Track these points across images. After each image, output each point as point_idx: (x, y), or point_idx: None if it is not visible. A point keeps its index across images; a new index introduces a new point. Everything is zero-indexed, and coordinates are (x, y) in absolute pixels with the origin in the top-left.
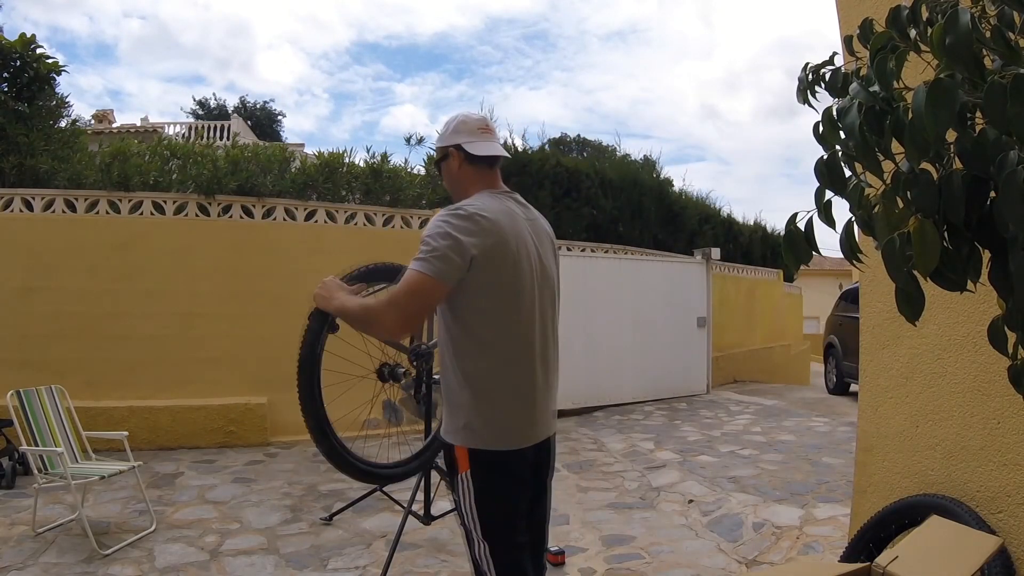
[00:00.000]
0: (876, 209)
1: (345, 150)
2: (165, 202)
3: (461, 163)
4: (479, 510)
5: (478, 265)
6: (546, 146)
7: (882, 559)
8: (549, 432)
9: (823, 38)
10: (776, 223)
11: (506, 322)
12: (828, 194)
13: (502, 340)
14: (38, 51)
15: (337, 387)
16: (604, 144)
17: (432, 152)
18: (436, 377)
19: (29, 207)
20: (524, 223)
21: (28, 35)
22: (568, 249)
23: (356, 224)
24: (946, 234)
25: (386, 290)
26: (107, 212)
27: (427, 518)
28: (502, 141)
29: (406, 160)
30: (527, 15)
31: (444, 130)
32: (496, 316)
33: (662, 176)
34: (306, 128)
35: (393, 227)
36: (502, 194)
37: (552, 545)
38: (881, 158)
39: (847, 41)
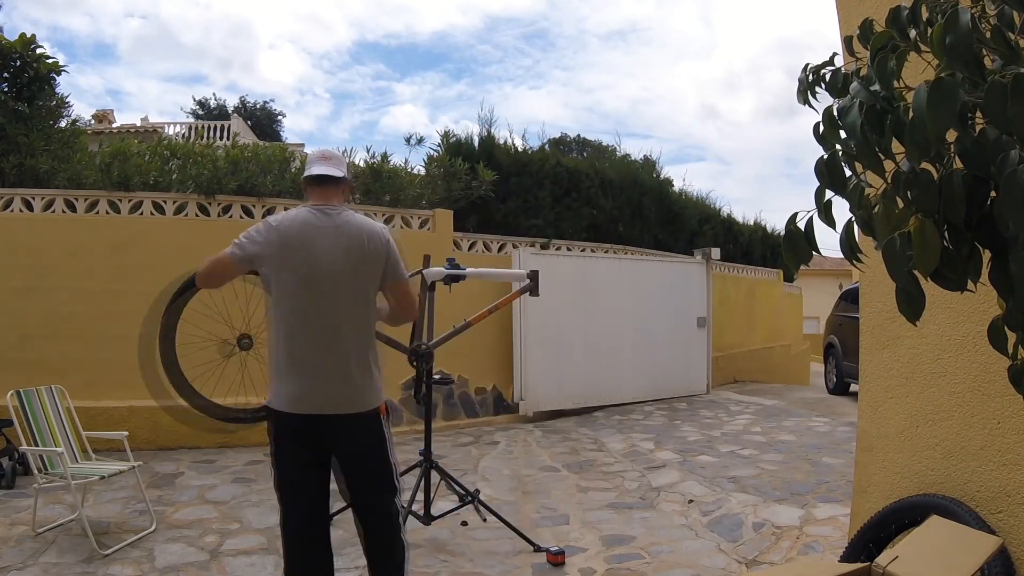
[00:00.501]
0: (876, 209)
1: (345, 150)
2: (165, 202)
3: (305, 187)
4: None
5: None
6: (546, 146)
7: (882, 559)
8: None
9: (823, 38)
10: (776, 223)
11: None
12: (828, 194)
13: None
14: (38, 51)
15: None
16: (604, 144)
17: (432, 152)
18: (437, 376)
19: (29, 207)
20: (322, 226)
21: (28, 35)
22: (568, 249)
23: None
24: (946, 234)
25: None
26: (107, 212)
27: (427, 518)
28: (502, 141)
29: (406, 160)
30: (527, 14)
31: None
32: None
33: (662, 176)
34: (305, 128)
35: (393, 227)
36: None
37: (552, 545)
38: (882, 158)
39: (847, 41)
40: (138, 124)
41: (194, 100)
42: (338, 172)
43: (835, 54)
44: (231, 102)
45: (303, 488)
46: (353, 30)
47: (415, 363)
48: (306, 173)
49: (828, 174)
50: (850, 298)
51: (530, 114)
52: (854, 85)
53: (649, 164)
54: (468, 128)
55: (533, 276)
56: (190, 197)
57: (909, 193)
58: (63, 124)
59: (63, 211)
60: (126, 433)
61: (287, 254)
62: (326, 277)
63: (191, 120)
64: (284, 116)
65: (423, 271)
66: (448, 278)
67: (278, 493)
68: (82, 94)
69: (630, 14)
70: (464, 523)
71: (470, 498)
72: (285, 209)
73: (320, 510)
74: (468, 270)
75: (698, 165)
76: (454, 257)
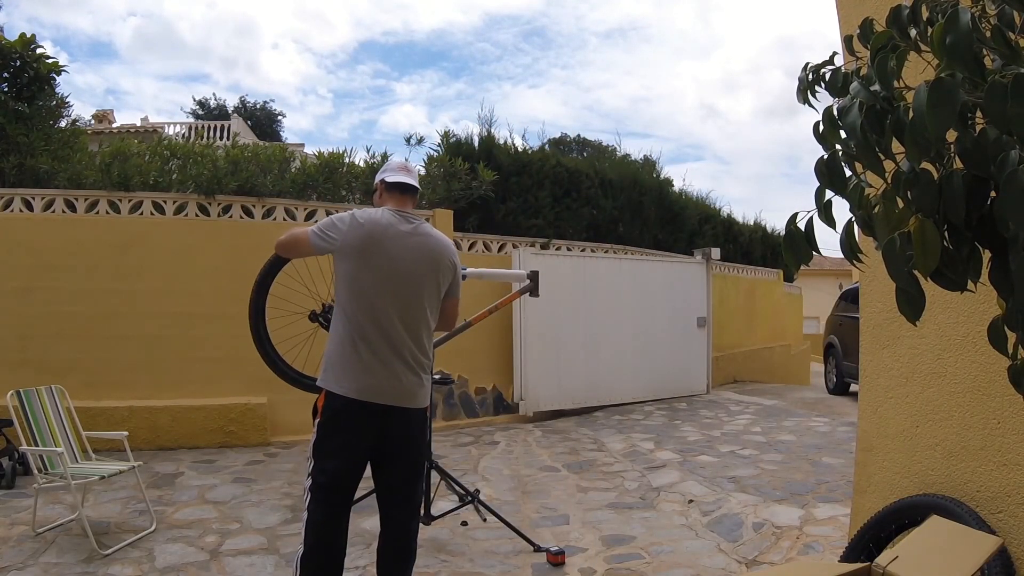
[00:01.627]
0: (876, 209)
1: (345, 150)
2: (165, 202)
3: (382, 191)
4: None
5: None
6: (546, 146)
7: (882, 559)
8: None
9: (823, 38)
10: (776, 223)
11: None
12: (828, 194)
13: None
14: (38, 51)
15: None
16: (604, 144)
17: (432, 152)
18: (436, 376)
19: (29, 207)
20: (402, 233)
21: (29, 35)
22: (568, 249)
23: None
24: (946, 234)
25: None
26: (107, 212)
27: (427, 518)
28: (502, 141)
29: (406, 160)
30: (525, 11)
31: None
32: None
33: (662, 176)
34: (304, 127)
35: None
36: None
37: (552, 545)
38: (882, 158)
39: (847, 41)
40: (138, 124)
41: (194, 100)
42: (417, 183)
43: (835, 53)
44: (231, 102)
45: (345, 480)
46: (350, 28)
47: None
48: (389, 178)
49: (828, 174)
50: (850, 298)
51: (529, 113)
52: (854, 85)
53: (649, 164)
54: (468, 128)
55: (533, 276)
56: (190, 197)
57: (909, 193)
58: (63, 124)
59: (63, 211)
60: (126, 433)
61: (371, 250)
62: (405, 279)
63: (191, 120)
64: (284, 116)
65: None
66: None
67: (314, 480)
68: (84, 93)
69: (628, 12)
70: (464, 523)
71: (470, 498)
72: (285, 209)
73: (350, 503)
74: (469, 270)
75: (698, 165)
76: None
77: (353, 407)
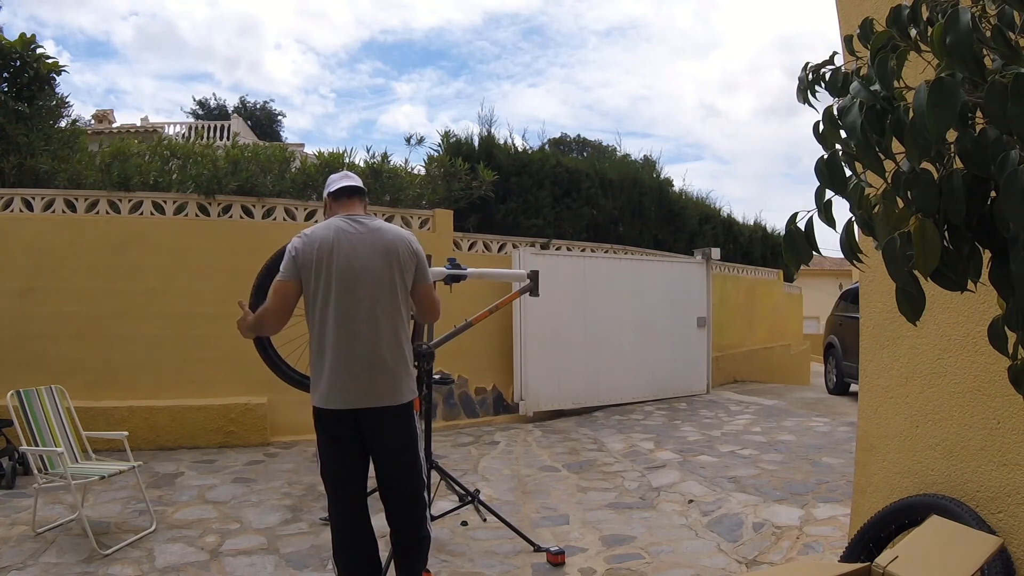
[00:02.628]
0: (876, 209)
1: (345, 150)
2: (165, 202)
3: (329, 204)
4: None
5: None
6: (546, 146)
7: (882, 559)
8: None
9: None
10: (776, 223)
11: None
12: (828, 194)
13: None
14: (38, 51)
15: None
16: (604, 144)
17: (432, 152)
18: (437, 376)
19: (29, 207)
20: (347, 233)
21: (29, 35)
22: (568, 249)
23: None
24: (946, 234)
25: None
26: (107, 212)
27: None
28: (502, 141)
29: (406, 160)
30: (524, 10)
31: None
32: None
33: (662, 176)
34: (303, 127)
35: None
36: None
37: (552, 545)
38: (882, 157)
39: (847, 41)
40: (138, 124)
41: (194, 100)
42: (358, 182)
43: (835, 53)
44: (231, 102)
45: (345, 477)
46: (350, 27)
47: (415, 363)
48: (332, 188)
49: (828, 174)
50: (850, 298)
51: (529, 112)
52: (854, 85)
53: (649, 164)
54: (468, 128)
55: (533, 276)
56: (190, 197)
57: (909, 193)
58: (63, 124)
59: (63, 211)
60: (126, 433)
61: (320, 260)
62: (360, 278)
63: (191, 120)
64: (284, 116)
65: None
66: (449, 278)
67: (324, 480)
68: (82, 92)
69: (628, 12)
70: (464, 523)
71: (470, 498)
72: (285, 209)
73: (361, 495)
74: (469, 270)
75: (697, 164)
76: (455, 257)
77: (324, 414)
